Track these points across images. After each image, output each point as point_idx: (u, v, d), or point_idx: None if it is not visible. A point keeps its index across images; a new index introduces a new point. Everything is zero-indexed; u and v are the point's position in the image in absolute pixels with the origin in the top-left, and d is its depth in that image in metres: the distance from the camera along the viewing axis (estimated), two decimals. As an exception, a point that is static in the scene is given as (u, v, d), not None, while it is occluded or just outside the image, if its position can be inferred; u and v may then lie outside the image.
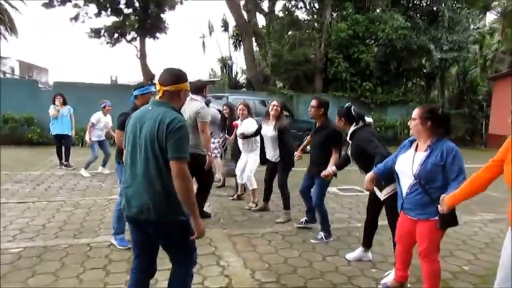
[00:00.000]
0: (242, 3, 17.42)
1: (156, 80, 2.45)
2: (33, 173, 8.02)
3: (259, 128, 5.49)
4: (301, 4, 18.45)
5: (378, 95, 16.37)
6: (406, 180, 2.93)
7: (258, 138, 5.75)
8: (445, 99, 19.41)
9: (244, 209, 5.76)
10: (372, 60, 15.71)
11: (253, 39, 17.61)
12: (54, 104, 8.61)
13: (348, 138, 3.85)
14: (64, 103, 8.68)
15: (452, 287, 3.48)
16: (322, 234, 4.53)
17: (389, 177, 3.25)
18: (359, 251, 4.00)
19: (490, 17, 23.11)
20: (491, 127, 16.43)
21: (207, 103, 8.03)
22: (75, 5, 15.48)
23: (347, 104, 3.94)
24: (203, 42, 21.15)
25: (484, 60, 21.24)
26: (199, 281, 3.39)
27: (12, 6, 18.99)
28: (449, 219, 2.71)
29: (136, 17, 15.84)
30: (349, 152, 3.88)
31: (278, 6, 19.19)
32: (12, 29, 19.18)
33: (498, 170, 2.28)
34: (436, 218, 2.74)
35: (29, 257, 3.80)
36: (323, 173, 4.19)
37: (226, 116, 6.86)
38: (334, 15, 17.77)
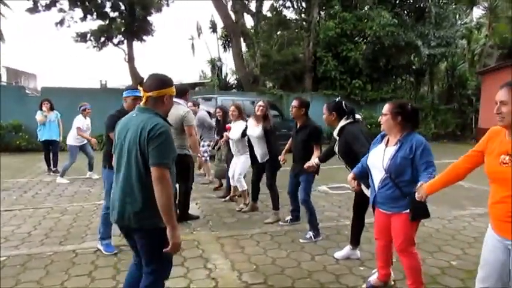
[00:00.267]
0: (229, 4, 17.41)
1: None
2: (21, 180, 7.92)
3: (245, 128, 5.47)
4: (288, 3, 18.51)
5: (368, 93, 16.45)
6: (378, 174, 2.96)
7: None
8: (434, 94, 19.55)
9: (234, 210, 5.73)
10: (361, 58, 15.78)
11: (242, 39, 17.60)
12: (41, 109, 8.52)
13: (335, 134, 3.82)
14: (51, 108, 8.59)
15: (440, 283, 3.46)
16: (310, 233, 4.52)
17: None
18: (347, 249, 3.99)
19: (477, 12, 23.37)
20: (480, 121, 16.56)
21: (198, 105, 8.04)
22: (60, 10, 15.37)
23: (338, 99, 3.93)
24: (192, 44, 21.18)
25: (472, 55, 21.41)
26: (185, 285, 3.35)
27: (-3, 12, 18.81)
28: (421, 211, 2.77)
29: (123, 20, 15.76)
30: (336, 149, 3.87)
31: (266, 6, 19.23)
32: (-2, 35, 18.99)
33: (477, 160, 2.27)
34: (408, 211, 2.79)
35: (12, 266, 3.74)
36: (306, 165, 4.23)
37: (220, 118, 6.80)
38: (322, 13, 17.82)
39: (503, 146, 2.08)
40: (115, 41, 16.37)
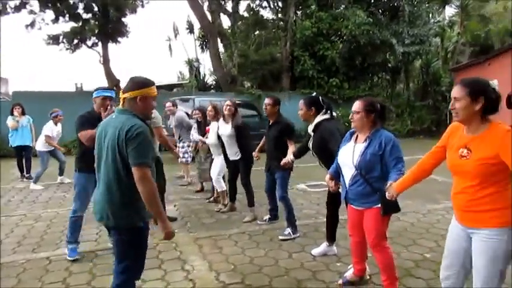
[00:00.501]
0: (205, 4, 17.34)
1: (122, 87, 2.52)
2: (-8, 187, 7.69)
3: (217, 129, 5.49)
4: (265, 3, 18.58)
5: (345, 91, 16.64)
6: (348, 171, 2.99)
7: None
8: (410, 91, 19.93)
9: (213, 211, 5.71)
10: (337, 57, 15.97)
11: (219, 40, 17.56)
12: (12, 115, 8.30)
13: (311, 129, 3.84)
14: (23, 113, 8.37)
15: (414, 275, 3.53)
16: (289, 230, 4.55)
17: None
18: (324, 245, 4.03)
19: (449, 10, 23.93)
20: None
21: (175, 106, 7.97)
22: (31, 12, 14.99)
23: (314, 94, 3.96)
24: (169, 45, 20.87)
25: (446, 52, 21.91)
26: (162, 287, 3.33)
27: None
28: (391, 206, 2.81)
29: (96, 22, 15.48)
30: (310, 145, 3.89)
31: (242, 6, 19.24)
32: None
33: (441, 155, 2.35)
34: (379, 205, 2.84)
35: (-18, 276, 3.63)
36: (282, 162, 4.27)
37: (200, 120, 6.74)
38: (299, 13, 17.95)
39: (461, 140, 2.17)
40: (89, 43, 16.07)
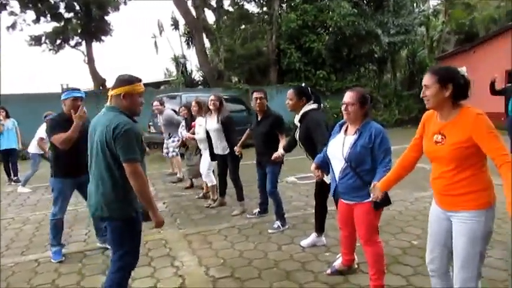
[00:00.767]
0: (189, 0, 17.19)
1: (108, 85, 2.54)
2: (-21, 191, 7.59)
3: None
4: (249, -3, 18.44)
5: (333, 83, 16.67)
6: (338, 164, 2.92)
7: None
8: (397, 81, 20.06)
9: (202, 207, 5.71)
10: (324, 49, 15.97)
11: (204, 35, 17.44)
12: None
13: (297, 120, 3.83)
14: (7, 116, 8.26)
15: (401, 263, 3.57)
16: (278, 223, 4.58)
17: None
18: (313, 236, 4.06)
19: (433, -1, 24.07)
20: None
21: (162, 104, 7.93)
22: (11, 13, 14.73)
23: (303, 84, 3.95)
24: (155, 42, 20.71)
25: (431, 41, 22.05)
26: (151, 284, 3.33)
27: None
28: (382, 199, 2.73)
29: (79, 21, 15.25)
30: (296, 135, 3.88)
31: (226, 1, 19.10)
32: None
33: (420, 147, 2.39)
34: (370, 199, 2.76)
35: (-29, 281, 3.60)
36: (273, 156, 4.26)
37: (186, 117, 6.73)
38: (283, 6, 17.89)
39: (435, 126, 2.23)
40: (72, 42, 15.86)
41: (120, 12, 16.28)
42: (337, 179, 2.96)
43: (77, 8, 15.11)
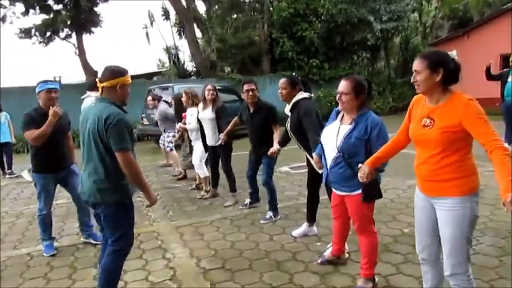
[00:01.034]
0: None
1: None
2: (-28, 186, 7.55)
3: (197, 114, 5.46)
4: (240, -15, 18.20)
5: (326, 71, 16.62)
6: (330, 152, 2.87)
7: None
8: (390, 69, 20.03)
9: (195, 198, 5.71)
10: (316, 37, 15.87)
11: (195, 25, 17.26)
12: None
13: (288, 110, 3.81)
14: None
15: (392, 251, 3.60)
16: (270, 213, 4.59)
17: None
18: (304, 226, 4.07)
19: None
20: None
21: (158, 99, 7.89)
22: (0, 5, 14.49)
23: (294, 74, 3.92)
24: (147, 33, 20.51)
25: (424, 27, 21.96)
26: (143, 277, 3.34)
27: None
28: (373, 191, 2.69)
29: (68, 13, 15.03)
30: (287, 125, 3.86)
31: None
32: None
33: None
34: (359, 191, 2.72)
35: (-37, 277, 3.60)
36: (269, 152, 4.24)
37: (177, 107, 6.71)
38: (275, -6, 17.71)
39: (424, 110, 2.23)
40: (62, 34, 15.65)
41: (110, 3, 16.09)
42: (328, 168, 2.92)
43: None
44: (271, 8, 16.42)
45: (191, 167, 6.34)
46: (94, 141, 2.51)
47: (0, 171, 8.41)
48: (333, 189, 3.00)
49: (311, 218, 4.05)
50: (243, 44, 16.21)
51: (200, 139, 5.63)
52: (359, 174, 2.53)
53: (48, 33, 15.50)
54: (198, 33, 18.19)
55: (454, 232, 2.15)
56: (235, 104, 11.77)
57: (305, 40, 15.98)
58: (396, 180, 5.86)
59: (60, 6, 15.07)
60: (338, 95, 2.83)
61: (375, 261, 2.96)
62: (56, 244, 4.07)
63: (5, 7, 14.66)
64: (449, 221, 2.16)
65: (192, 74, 18.91)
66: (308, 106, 3.67)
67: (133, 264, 3.54)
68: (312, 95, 3.92)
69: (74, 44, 16.06)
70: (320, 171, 3.33)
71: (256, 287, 3.09)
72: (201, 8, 19.17)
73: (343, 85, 2.80)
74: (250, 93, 4.52)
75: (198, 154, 5.72)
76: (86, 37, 16.30)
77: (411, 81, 2.20)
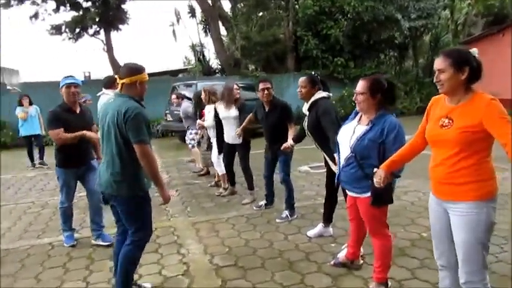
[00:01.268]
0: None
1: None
2: (5, 176, 7.88)
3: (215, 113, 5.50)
4: (265, -17, 18.13)
5: (351, 70, 16.35)
6: (344, 152, 2.83)
7: None
8: (419, 68, 19.53)
9: (214, 195, 5.76)
10: (341, 35, 15.65)
11: (220, 23, 17.35)
12: (21, 105, 8.49)
13: (306, 109, 3.79)
14: (30, 103, 8.60)
15: (408, 255, 3.52)
16: (286, 212, 4.58)
17: None
18: (319, 227, 4.04)
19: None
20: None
21: (182, 97, 8.02)
22: (33, 3, 15.05)
23: (313, 72, 3.92)
24: (173, 30, 20.76)
25: (456, 25, 21.26)
26: (157, 271, 3.41)
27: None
28: (382, 195, 2.57)
29: (97, 10, 15.44)
30: (304, 124, 3.83)
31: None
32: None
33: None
34: (369, 194, 2.64)
35: (-11, 261, 3.77)
36: (283, 146, 4.24)
37: (197, 104, 6.80)
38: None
39: (443, 110, 2.15)
40: (90, 31, 16.12)
41: (137, 1, 16.44)
42: (341, 166, 2.89)
43: (95, -4, 15.36)
44: (296, 6, 16.29)
45: (211, 164, 6.40)
46: (113, 134, 2.62)
47: (29, 163, 8.74)
48: (346, 189, 2.97)
49: (327, 219, 4.02)
50: (267, 41, 16.17)
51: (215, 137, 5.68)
52: (375, 179, 2.47)
53: (78, 30, 16.02)
54: (223, 31, 18.30)
55: (468, 238, 2.08)
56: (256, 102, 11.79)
57: (330, 38, 15.79)
58: (418, 183, 5.72)
59: (89, 4, 15.55)
60: (354, 95, 2.79)
61: (388, 265, 2.89)
62: (76, 235, 4.21)
63: (38, 4, 15.20)
64: (462, 227, 2.09)
65: (216, 71, 19.03)
66: (327, 105, 3.63)
67: (148, 257, 3.61)
68: (331, 94, 3.88)
69: (102, 41, 16.52)
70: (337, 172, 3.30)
71: (267, 286, 3.10)
72: (226, 5, 19.28)
73: (359, 84, 2.77)
74: (266, 92, 4.53)
75: (217, 151, 5.76)
76: (113, 34, 16.73)
77: (434, 80, 2.13)
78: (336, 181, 3.08)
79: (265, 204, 5.03)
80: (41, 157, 8.76)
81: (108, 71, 18.35)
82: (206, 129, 6.09)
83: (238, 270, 3.36)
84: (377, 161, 2.61)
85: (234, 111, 5.28)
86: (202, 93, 5.88)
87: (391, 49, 19.03)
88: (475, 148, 2.02)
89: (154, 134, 13.54)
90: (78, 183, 4.10)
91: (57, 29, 15.87)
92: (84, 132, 3.80)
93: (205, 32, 19.71)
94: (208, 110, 5.76)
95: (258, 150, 5.35)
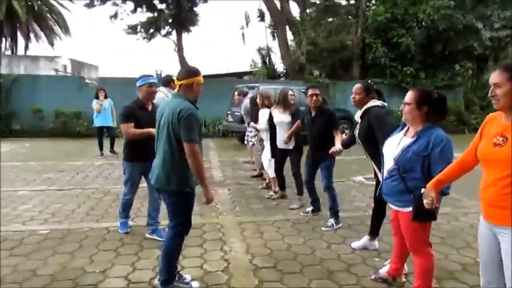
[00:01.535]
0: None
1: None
2: (76, 163, 8.61)
3: (269, 117, 5.56)
4: (337, -12, 17.96)
5: (421, 80, 15.61)
6: (388, 163, 2.76)
7: None
8: (499, 82, 18.08)
9: (263, 197, 5.84)
10: (413, 44, 14.99)
11: (287, 27, 17.44)
12: (97, 98, 9.25)
13: (358, 116, 3.72)
14: (105, 97, 9.33)
15: (457, 279, 3.32)
16: (332, 221, 4.52)
17: None
18: (365, 239, 3.93)
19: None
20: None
21: (244, 94, 8.27)
22: (114, 3, 16.27)
23: (368, 80, 3.86)
24: (242, 34, 21.27)
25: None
26: (198, 264, 3.54)
27: (64, 7, 20.12)
28: (425, 211, 2.43)
29: (170, 12, 16.30)
30: (356, 132, 3.76)
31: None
32: (65, 29, 20.34)
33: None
34: (410, 208, 2.54)
35: (53, 238, 4.15)
36: (331, 150, 4.23)
37: (253, 108, 6.99)
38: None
39: (498, 128, 2.03)
40: (163, 32, 17.06)
41: (208, 4, 17.07)
42: (384, 178, 2.83)
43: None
44: (366, 12, 15.90)
45: (262, 166, 6.48)
46: (167, 131, 2.78)
47: (99, 152, 9.46)
48: (388, 202, 2.88)
49: (373, 232, 3.90)
50: (334, 47, 16.00)
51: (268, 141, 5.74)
52: (425, 201, 2.35)
53: (151, 30, 17.04)
54: (290, 36, 18.39)
55: None
56: (307, 108, 11.67)
57: (400, 46, 15.22)
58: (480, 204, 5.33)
59: (163, 6, 16.45)
60: (402, 105, 2.73)
61: (428, 286, 2.75)
62: (130, 223, 4.48)
63: (118, 5, 16.42)
64: (510, 253, 1.95)
65: (281, 75, 19.15)
66: (381, 114, 3.54)
67: (192, 251, 3.77)
68: (386, 104, 3.77)
69: (173, 41, 17.39)
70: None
71: (302, 292, 3.09)
72: (295, 11, 19.34)
73: (407, 95, 2.71)
74: (314, 97, 4.57)
75: (268, 154, 5.83)
76: (184, 35, 17.54)
77: (489, 95, 2.02)
78: (377, 192, 2.98)
79: (312, 211, 5.01)
80: (112, 146, 9.48)
81: (178, 70, 19.31)
82: (259, 131, 6.20)
83: (276, 273, 3.38)
84: (421, 175, 2.53)
85: (287, 117, 5.33)
86: (258, 96, 6.00)
87: (468, 60, 17.84)
88: None
89: (215, 134, 13.97)
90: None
91: (133, 29, 17.05)
92: (151, 129, 4.01)
93: (273, 36, 19.95)
94: (262, 114, 5.86)
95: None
